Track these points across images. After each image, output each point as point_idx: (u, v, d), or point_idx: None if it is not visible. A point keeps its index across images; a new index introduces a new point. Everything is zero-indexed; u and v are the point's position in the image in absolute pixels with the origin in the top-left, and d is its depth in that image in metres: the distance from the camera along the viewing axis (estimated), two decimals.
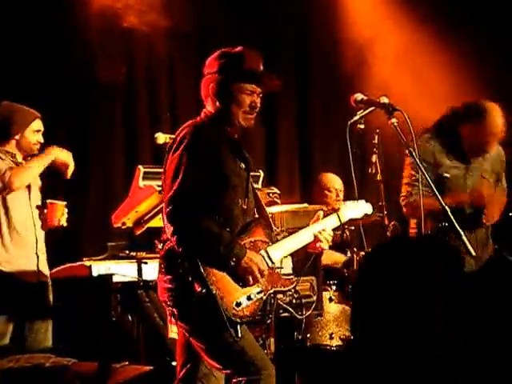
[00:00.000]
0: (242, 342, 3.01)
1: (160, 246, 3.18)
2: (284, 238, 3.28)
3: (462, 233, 3.14)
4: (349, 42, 6.10)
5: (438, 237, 4.02)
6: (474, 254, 3.18)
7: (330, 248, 4.63)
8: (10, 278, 4.14)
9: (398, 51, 5.90)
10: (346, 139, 3.49)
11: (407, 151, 3.34)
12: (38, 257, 4.26)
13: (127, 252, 4.45)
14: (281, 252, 3.22)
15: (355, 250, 4.85)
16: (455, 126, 4.30)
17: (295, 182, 6.66)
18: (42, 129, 4.35)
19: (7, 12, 5.29)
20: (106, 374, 3.66)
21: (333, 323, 4.87)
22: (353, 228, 5.05)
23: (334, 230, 3.39)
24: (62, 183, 5.41)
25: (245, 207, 3.17)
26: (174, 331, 3.16)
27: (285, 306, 4.10)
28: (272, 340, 4.20)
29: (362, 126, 3.67)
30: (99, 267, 4.34)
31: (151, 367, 3.81)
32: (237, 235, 3.10)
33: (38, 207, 4.34)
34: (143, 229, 4.53)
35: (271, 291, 3.16)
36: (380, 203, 4.55)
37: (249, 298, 3.05)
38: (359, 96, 3.51)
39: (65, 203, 4.39)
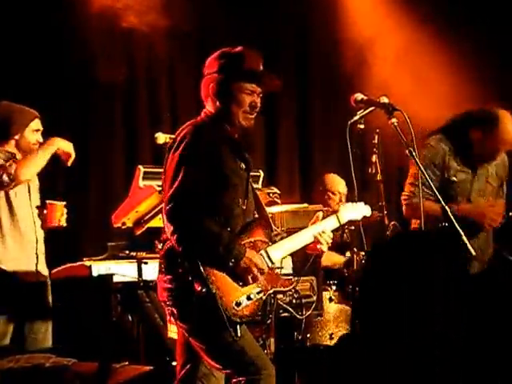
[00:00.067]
0: (242, 342, 3.01)
1: (160, 246, 3.18)
2: (283, 238, 3.28)
3: (462, 233, 3.14)
4: (349, 42, 6.10)
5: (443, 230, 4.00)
6: (473, 253, 3.18)
7: (330, 249, 4.63)
8: (10, 277, 4.14)
9: (398, 51, 5.90)
10: (346, 139, 3.49)
11: (407, 151, 3.34)
12: (37, 257, 4.26)
13: (127, 252, 4.45)
14: (280, 252, 3.22)
15: (355, 250, 4.84)
16: (466, 130, 4.27)
17: (295, 182, 6.66)
18: (41, 128, 4.35)
19: (7, 12, 5.29)
20: (106, 374, 3.66)
21: (333, 323, 4.87)
22: (353, 228, 5.04)
23: (333, 231, 3.39)
24: (61, 183, 5.45)
25: (244, 207, 3.17)
26: (173, 331, 3.16)
27: (285, 305, 4.10)
28: (272, 340, 4.20)
29: (362, 126, 3.67)
30: (99, 267, 4.34)
31: (151, 367, 3.81)
32: (237, 235, 3.10)
33: (37, 207, 4.34)
34: (143, 229, 4.53)
35: (271, 291, 3.16)
36: (380, 203, 4.54)
37: (248, 298, 3.05)
38: (359, 96, 3.51)
39: (64, 203, 4.39)
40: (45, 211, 4.34)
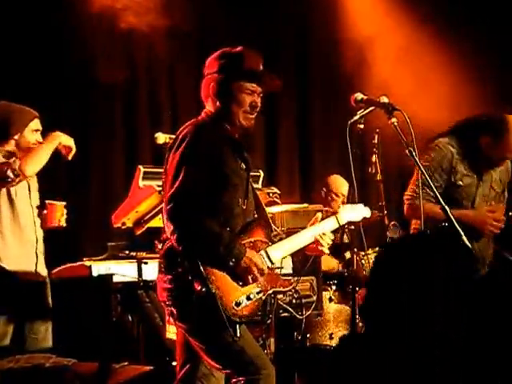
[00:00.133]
0: (242, 342, 3.01)
1: (160, 246, 3.18)
2: (282, 238, 3.28)
3: (462, 233, 3.14)
4: (349, 42, 6.10)
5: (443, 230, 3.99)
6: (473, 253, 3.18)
7: (329, 249, 4.62)
8: (10, 276, 4.13)
9: (398, 51, 5.90)
10: (346, 139, 3.49)
11: (407, 151, 3.34)
12: (36, 256, 4.26)
13: (127, 252, 4.45)
14: (280, 252, 3.22)
15: (355, 250, 4.84)
16: (475, 135, 4.24)
17: (295, 182, 6.66)
18: (41, 128, 4.35)
19: (7, 12, 5.29)
20: (106, 373, 3.66)
21: (333, 323, 4.87)
22: (353, 228, 5.04)
23: (333, 231, 3.40)
24: (61, 183, 5.45)
25: (245, 207, 3.17)
26: (171, 332, 3.16)
27: (285, 305, 4.10)
28: (272, 340, 4.20)
29: (362, 126, 3.66)
30: (99, 267, 4.34)
31: (151, 367, 3.81)
32: (237, 235, 3.10)
33: (37, 207, 4.34)
34: (143, 229, 4.53)
35: (270, 291, 3.16)
36: (380, 203, 4.54)
37: (248, 298, 3.05)
38: (359, 95, 3.51)
39: (64, 203, 4.39)
40: (45, 211, 4.34)
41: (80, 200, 5.45)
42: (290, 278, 3.28)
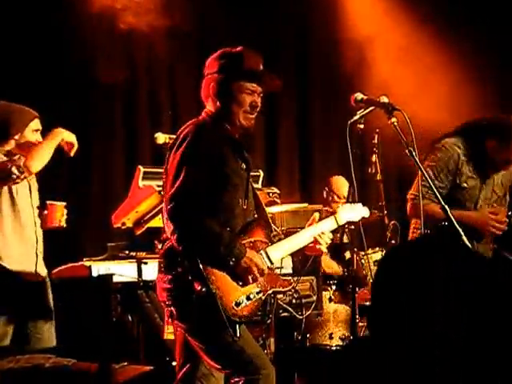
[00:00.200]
0: (241, 342, 3.01)
1: (160, 246, 3.18)
2: (281, 239, 3.28)
3: (462, 233, 3.14)
4: (349, 42, 6.10)
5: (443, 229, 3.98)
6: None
7: (329, 250, 4.64)
8: (11, 276, 4.13)
9: (397, 51, 5.90)
10: (346, 139, 3.49)
11: (407, 151, 3.33)
12: (36, 256, 4.26)
13: (127, 252, 4.45)
14: (280, 253, 3.22)
15: (355, 250, 4.85)
16: (482, 137, 4.22)
17: (295, 181, 6.66)
18: (41, 128, 4.35)
19: (7, 12, 5.29)
20: (106, 373, 3.66)
21: (332, 323, 4.87)
22: (353, 228, 5.04)
23: (332, 231, 3.40)
24: (61, 183, 5.45)
25: (245, 207, 3.17)
26: (169, 332, 3.16)
27: (285, 305, 4.10)
28: (272, 340, 4.20)
29: (362, 126, 3.66)
30: (99, 267, 4.34)
31: (151, 367, 3.81)
32: (237, 235, 3.10)
33: (37, 208, 4.34)
34: (143, 229, 4.53)
35: (270, 291, 3.16)
36: (380, 203, 4.55)
37: (248, 298, 3.06)
38: (359, 95, 3.51)
39: (64, 204, 4.39)
40: (45, 211, 4.34)
41: (80, 200, 5.45)
42: (289, 278, 3.29)
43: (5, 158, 4.11)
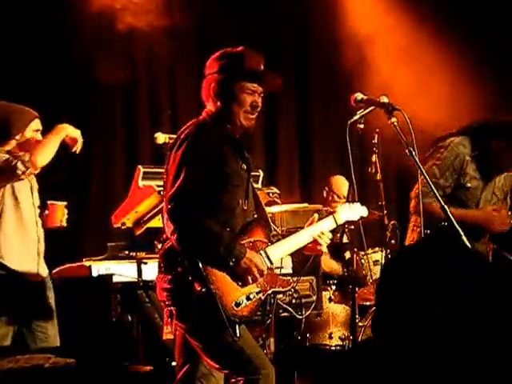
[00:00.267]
0: (241, 342, 3.01)
1: (159, 246, 3.18)
2: (280, 239, 3.28)
3: (462, 233, 3.14)
4: (349, 42, 6.10)
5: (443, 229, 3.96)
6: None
7: (329, 250, 4.64)
8: (13, 276, 4.13)
9: (397, 51, 5.89)
10: (346, 139, 3.49)
11: (407, 151, 3.33)
12: (38, 256, 4.26)
13: (127, 252, 4.45)
14: (279, 253, 3.22)
15: (355, 250, 4.84)
16: (488, 137, 4.21)
17: (295, 181, 6.66)
18: (41, 128, 4.35)
19: (7, 12, 5.29)
20: (106, 374, 3.66)
21: (332, 323, 4.87)
22: (352, 228, 5.05)
23: (332, 231, 3.40)
24: (61, 183, 5.44)
25: (245, 207, 3.17)
26: (169, 332, 3.16)
27: (284, 305, 4.10)
28: (272, 340, 4.20)
29: (362, 126, 3.66)
30: (99, 267, 4.34)
31: (151, 367, 3.81)
32: (237, 235, 3.10)
33: (38, 208, 4.34)
34: (143, 229, 4.53)
35: (270, 291, 3.16)
36: (380, 203, 4.54)
37: (248, 298, 3.06)
38: (359, 95, 3.50)
39: (65, 204, 4.39)
40: (46, 212, 4.34)
41: (80, 200, 5.45)
42: (289, 278, 3.28)
43: (7, 156, 4.11)
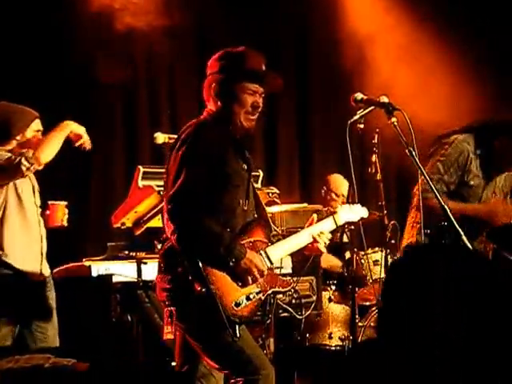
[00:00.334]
0: (241, 342, 3.01)
1: (159, 246, 3.18)
2: (280, 239, 3.28)
3: (462, 233, 3.14)
4: (349, 42, 6.10)
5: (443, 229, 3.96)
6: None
7: (329, 250, 4.63)
8: (17, 275, 4.13)
9: (398, 51, 5.90)
10: (346, 139, 3.48)
11: (407, 151, 3.33)
12: (41, 255, 4.27)
13: (127, 252, 4.45)
14: (279, 253, 3.22)
15: (355, 250, 4.84)
16: (493, 136, 4.21)
17: (295, 181, 6.66)
18: (42, 129, 4.35)
19: (7, 12, 5.29)
20: (106, 374, 3.66)
21: (332, 323, 4.87)
22: (352, 228, 5.05)
23: (332, 231, 3.40)
24: (61, 183, 5.44)
25: (245, 208, 3.17)
26: (169, 331, 3.16)
27: (284, 306, 4.10)
28: (271, 340, 4.21)
29: (362, 126, 3.66)
30: (99, 267, 4.34)
31: (149, 367, 3.81)
32: (237, 235, 3.10)
33: (39, 207, 4.35)
34: (142, 229, 4.52)
35: (270, 292, 3.16)
36: (380, 203, 4.54)
37: (248, 298, 3.05)
38: (359, 95, 3.50)
39: (65, 203, 4.39)
40: (47, 212, 4.35)
41: (80, 200, 5.45)
42: (289, 278, 3.28)
43: (9, 154, 4.11)
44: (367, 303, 5.09)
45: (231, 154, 3.13)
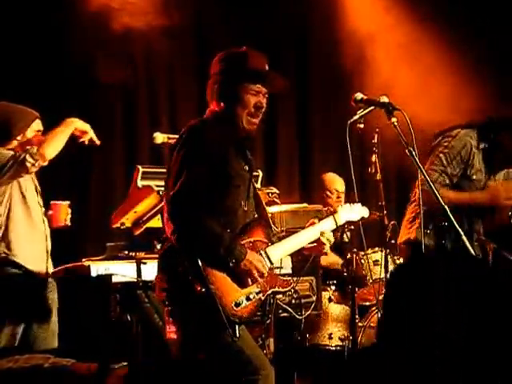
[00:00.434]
0: (241, 342, 3.01)
1: (159, 246, 3.18)
2: (280, 239, 3.28)
3: (462, 233, 3.13)
4: (349, 42, 6.10)
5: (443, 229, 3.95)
6: (473, 253, 3.17)
7: (330, 248, 4.61)
8: (26, 275, 4.13)
9: (398, 51, 5.89)
10: (346, 139, 3.48)
11: (407, 151, 3.32)
12: (47, 254, 4.28)
13: (126, 252, 4.44)
14: (280, 253, 3.22)
15: (355, 250, 4.84)
16: (496, 131, 4.21)
17: (295, 181, 6.66)
18: (42, 129, 4.35)
19: (7, 12, 5.29)
20: (106, 374, 3.65)
21: (332, 323, 4.87)
22: (352, 228, 5.05)
23: (333, 231, 3.40)
24: (61, 183, 5.44)
25: (246, 209, 3.17)
26: (172, 331, 3.16)
27: (284, 306, 4.10)
28: (271, 340, 4.20)
29: (362, 126, 3.65)
30: (98, 267, 4.33)
31: (151, 367, 3.80)
32: (237, 235, 3.10)
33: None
34: (142, 229, 4.51)
35: (269, 292, 3.16)
36: (380, 203, 4.54)
37: (248, 299, 3.05)
38: (359, 95, 3.50)
39: (68, 203, 4.40)
40: (50, 212, 4.35)
41: (80, 200, 5.44)
42: (289, 278, 3.28)
43: (12, 152, 4.11)
44: (367, 303, 5.09)
45: (232, 155, 3.13)
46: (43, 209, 4.33)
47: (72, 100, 5.56)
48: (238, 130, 3.15)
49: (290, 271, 3.77)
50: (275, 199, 4.63)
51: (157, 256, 3.22)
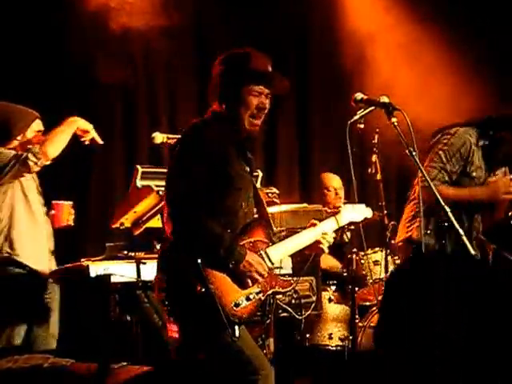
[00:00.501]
0: (241, 342, 3.00)
1: (158, 246, 3.18)
2: (281, 239, 3.27)
3: (463, 233, 3.13)
4: (349, 42, 6.10)
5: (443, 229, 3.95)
6: (473, 253, 3.17)
7: (329, 250, 4.61)
8: (31, 274, 4.13)
9: (398, 51, 5.89)
10: (346, 139, 3.48)
11: (407, 151, 3.32)
12: (50, 253, 4.28)
13: (125, 252, 4.44)
14: (280, 253, 3.21)
15: (355, 250, 4.84)
16: (496, 129, 4.21)
17: (295, 181, 6.66)
18: (42, 129, 4.35)
19: (7, 12, 5.29)
20: (106, 374, 3.65)
21: (332, 323, 4.87)
22: (353, 228, 5.05)
23: (333, 231, 3.40)
24: (61, 183, 5.44)
25: (246, 210, 3.16)
26: (173, 331, 3.16)
27: (284, 306, 4.10)
28: (271, 340, 4.19)
29: (362, 126, 3.65)
30: (97, 267, 4.32)
31: (151, 367, 3.80)
32: (237, 235, 3.10)
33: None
34: (141, 229, 4.51)
35: (270, 292, 3.16)
36: (380, 203, 4.54)
37: (248, 299, 3.05)
38: (359, 95, 3.49)
39: (71, 203, 4.40)
40: (52, 211, 4.35)
41: (80, 200, 5.44)
42: (289, 278, 3.28)
43: (14, 151, 4.11)
44: (367, 303, 5.09)
45: (234, 156, 3.12)
46: (45, 208, 4.33)
47: (72, 100, 5.56)
48: (239, 130, 3.15)
49: (290, 271, 3.77)
50: (275, 199, 4.64)
51: (156, 256, 3.21)
